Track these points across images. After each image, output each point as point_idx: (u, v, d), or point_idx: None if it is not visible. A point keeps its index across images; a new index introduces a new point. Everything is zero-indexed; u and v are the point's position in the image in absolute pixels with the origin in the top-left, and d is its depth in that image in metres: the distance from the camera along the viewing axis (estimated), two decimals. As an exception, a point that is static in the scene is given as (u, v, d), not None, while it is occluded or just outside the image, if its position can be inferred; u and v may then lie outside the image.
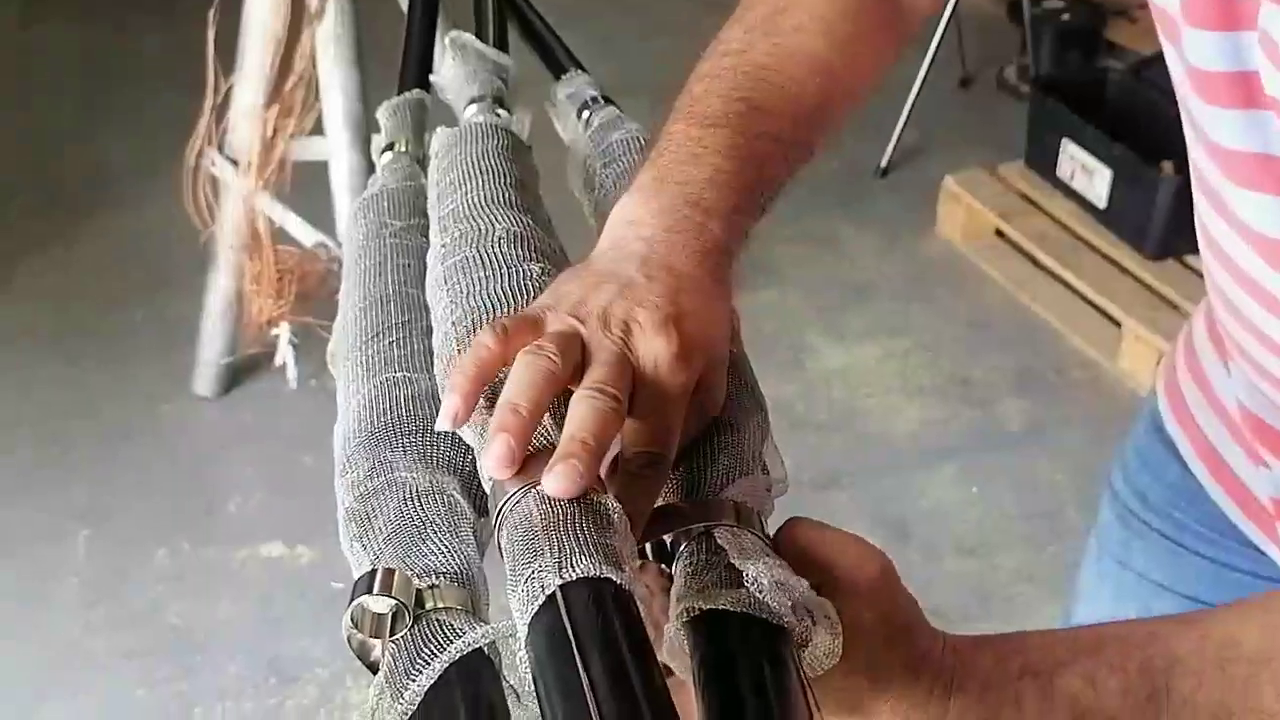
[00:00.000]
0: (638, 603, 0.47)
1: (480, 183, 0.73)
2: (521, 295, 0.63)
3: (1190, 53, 0.64)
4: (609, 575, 0.47)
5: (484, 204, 0.71)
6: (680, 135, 0.68)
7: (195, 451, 2.44)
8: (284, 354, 2.35)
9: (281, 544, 2.21)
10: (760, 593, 0.49)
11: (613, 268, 0.61)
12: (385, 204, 0.79)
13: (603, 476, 0.54)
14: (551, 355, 0.55)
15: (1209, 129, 0.66)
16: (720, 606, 0.49)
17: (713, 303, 0.61)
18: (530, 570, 0.47)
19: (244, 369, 2.54)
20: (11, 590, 2.15)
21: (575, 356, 0.56)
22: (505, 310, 0.62)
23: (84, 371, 2.59)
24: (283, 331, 2.31)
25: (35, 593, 2.15)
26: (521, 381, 0.54)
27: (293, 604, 2.12)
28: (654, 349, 0.57)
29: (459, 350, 0.60)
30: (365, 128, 2.10)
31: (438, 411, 0.58)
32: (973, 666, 0.54)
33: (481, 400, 0.56)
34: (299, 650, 2.03)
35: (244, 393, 2.54)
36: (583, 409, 0.54)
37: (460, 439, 0.59)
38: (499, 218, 0.69)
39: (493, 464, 0.52)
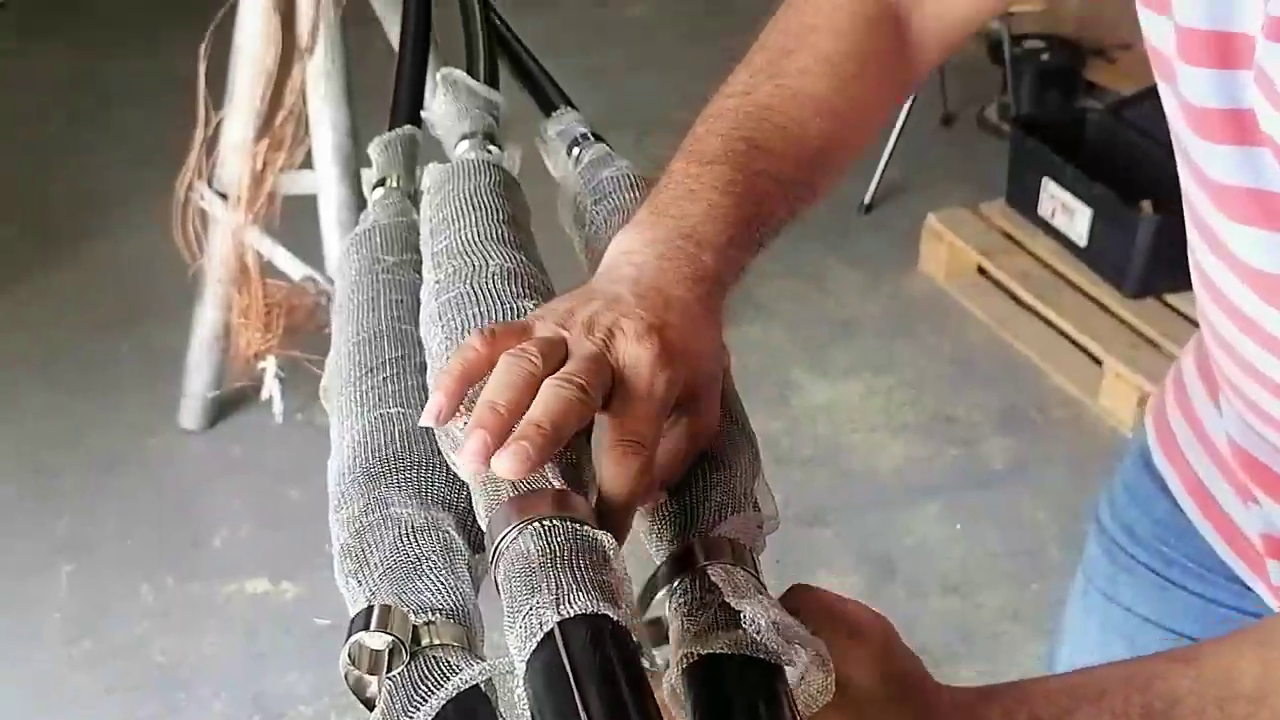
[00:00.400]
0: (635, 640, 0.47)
1: (473, 219, 0.74)
2: (516, 331, 0.64)
3: (1185, 88, 0.65)
4: (606, 612, 0.47)
5: (477, 240, 0.71)
6: (679, 173, 0.68)
7: (181, 485, 2.43)
8: (271, 388, 2.35)
9: (267, 579, 2.20)
10: (757, 633, 0.49)
11: (603, 287, 0.62)
12: (378, 239, 0.79)
13: (590, 503, 0.54)
14: (533, 358, 0.56)
15: (1203, 164, 0.67)
16: (719, 650, 0.49)
17: (699, 324, 0.62)
18: (528, 607, 0.47)
19: (230, 402, 2.53)
20: (-8, 625, 2.14)
21: (558, 360, 0.57)
22: (500, 347, 0.63)
23: (70, 400, 2.58)
24: (270, 365, 2.31)
25: (17, 627, 2.13)
26: (501, 382, 0.55)
27: (278, 640, 2.10)
28: (635, 352, 0.58)
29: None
30: (354, 162, 2.11)
31: (432, 448, 0.58)
32: None
33: (461, 417, 0.56)
34: (284, 687, 2.02)
35: (230, 426, 2.54)
36: (546, 394, 0.54)
37: (455, 476, 0.59)
38: (492, 254, 0.70)
39: (468, 458, 0.53)
